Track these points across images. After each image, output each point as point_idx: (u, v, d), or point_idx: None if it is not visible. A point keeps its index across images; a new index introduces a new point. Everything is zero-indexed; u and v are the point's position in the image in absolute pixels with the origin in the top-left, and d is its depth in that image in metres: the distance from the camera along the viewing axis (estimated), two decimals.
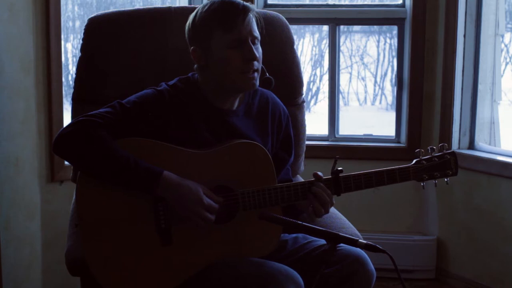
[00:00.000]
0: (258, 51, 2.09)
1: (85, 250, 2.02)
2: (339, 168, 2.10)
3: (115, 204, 2.02)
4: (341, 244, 1.77)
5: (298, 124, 2.56)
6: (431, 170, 2.13)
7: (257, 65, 2.09)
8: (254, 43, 2.07)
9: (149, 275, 2.02)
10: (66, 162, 3.06)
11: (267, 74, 2.14)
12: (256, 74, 2.09)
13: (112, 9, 3.49)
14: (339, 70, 3.72)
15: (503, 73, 3.63)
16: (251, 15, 2.07)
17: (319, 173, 2.11)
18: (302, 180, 2.50)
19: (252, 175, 2.08)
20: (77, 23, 3.55)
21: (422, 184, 2.15)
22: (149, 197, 2.01)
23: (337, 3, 3.73)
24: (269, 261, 2.04)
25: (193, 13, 2.12)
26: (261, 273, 1.97)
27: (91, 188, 2.02)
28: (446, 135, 3.47)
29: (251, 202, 2.06)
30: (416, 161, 2.14)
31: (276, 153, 2.19)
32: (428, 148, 2.16)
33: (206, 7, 2.09)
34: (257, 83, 2.11)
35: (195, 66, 2.16)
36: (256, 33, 2.09)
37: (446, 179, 2.16)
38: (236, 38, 2.04)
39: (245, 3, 2.08)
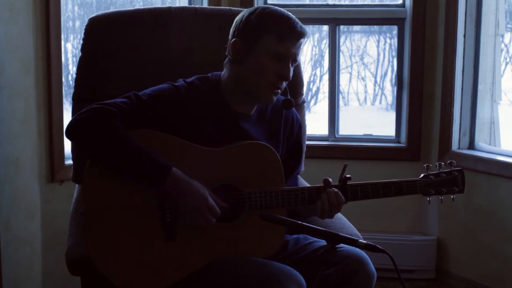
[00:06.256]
0: (291, 72, 2.10)
1: (89, 239, 2.03)
2: (348, 176, 2.09)
3: (122, 196, 2.02)
4: (341, 244, 1.77)
5: None
6: (438, 186, 2.14)
7: (284, 84, 2.11)
8: (291, 65, 2.09)
9: (150, 268, 2.02)
10: (66, 162, 3.07)
11: (289, 95, 2.15)
12: (279, 91, 2.11)
13: (112, 9, 3.49)
14: (339, 70, 3.72)
15: (503, 73, 3.63)
16: (305, 39, 2.09)
17: (329, 179, 2.10)
18: (303, 181, 2.51)
19: (260, 176, 2.08)
20: (77, 23, 3.55)
21: (428, 198, 2.15)
22: (157, 190, 2.01)
23: (337, 3, 3.73)
24: (271, 261, 2.03)
25: (251, 9, 2.12)
26: (263, 273, 1.96)
27: (99, 179, 2.02)
28: (446, 135, 3.47)
29: (257, 202, 2.06)
30: (423, 176, 2.14)
31: (285, 160, 2.17)
32: (436, 163, 2.16)
33: (268, 10, 2.10)
34: (275, 99, 2.13)
35: (227, 59, 2.14)
36: (298, 57, 2.11)
37: (452, 196, 2.17)
38: (281, 52, 2.05)
39: (302, 26, 2.09)
